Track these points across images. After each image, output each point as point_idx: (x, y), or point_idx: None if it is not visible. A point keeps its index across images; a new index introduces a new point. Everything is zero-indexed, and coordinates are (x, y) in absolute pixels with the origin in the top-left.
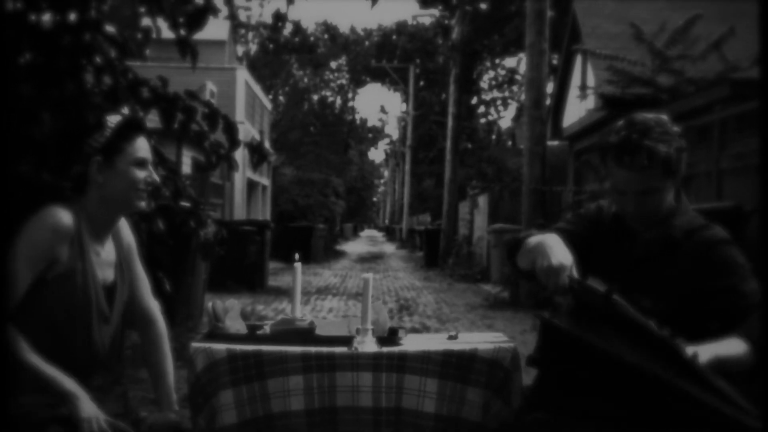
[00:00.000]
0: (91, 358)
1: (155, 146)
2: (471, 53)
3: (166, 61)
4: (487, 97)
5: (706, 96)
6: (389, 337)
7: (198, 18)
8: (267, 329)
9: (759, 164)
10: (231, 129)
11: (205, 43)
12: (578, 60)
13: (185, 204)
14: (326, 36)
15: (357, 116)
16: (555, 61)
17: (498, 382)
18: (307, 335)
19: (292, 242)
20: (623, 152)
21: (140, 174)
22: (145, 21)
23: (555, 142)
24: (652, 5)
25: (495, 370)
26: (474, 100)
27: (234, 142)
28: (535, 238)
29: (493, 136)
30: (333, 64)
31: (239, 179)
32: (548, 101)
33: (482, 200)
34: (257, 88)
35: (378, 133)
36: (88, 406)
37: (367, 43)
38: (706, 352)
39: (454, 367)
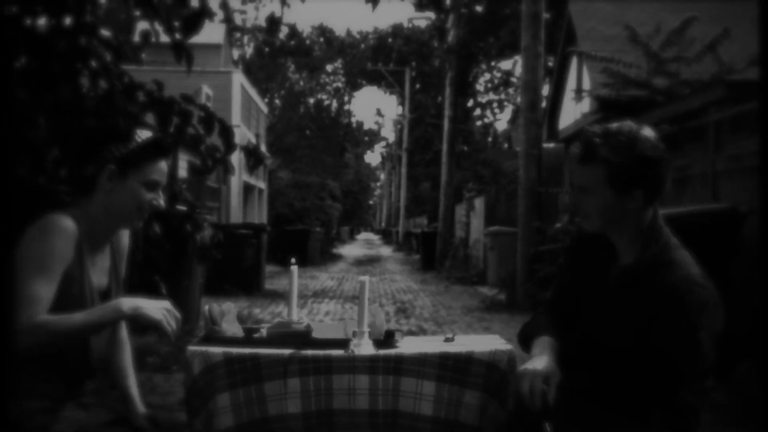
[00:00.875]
0: (87, 362)
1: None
2: (467, 56)
3: (162, 64)
4: (483, 99)
5: (702, 98)
6: (386, 339)
7: (193, 22)
8: (263, 332)
9: (759, 164)
10: (227, 132)
11: (200, 46)
12: (574, 62)
13: (182, 208)
14: (322, 39)
15: (353, 119)
16: (550, 64)
17: (495, 385)
18: (303, 338)
19: (288, 245)
20: (576, 141)
21: (148, 195)
22: (140, 25)
23: (551, 145)
24: (648, 7)
25: (492, 372)
26: (470, 103)
27: (230, 146)
28: (533, 353)
29: (489, 139)
30: (329, 68)
31: (235, 183)
32: (544, 104)
33: (478, 203)
34: (253, 92)
35: (374, 136)
36: (146, 305)
37: (362, 46)
38: None
39: (450, 369)
